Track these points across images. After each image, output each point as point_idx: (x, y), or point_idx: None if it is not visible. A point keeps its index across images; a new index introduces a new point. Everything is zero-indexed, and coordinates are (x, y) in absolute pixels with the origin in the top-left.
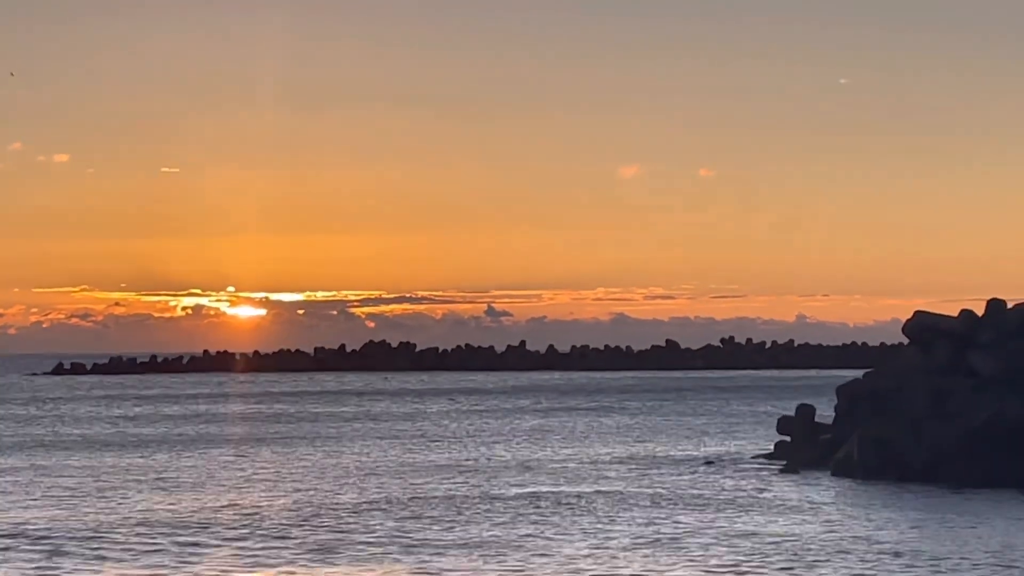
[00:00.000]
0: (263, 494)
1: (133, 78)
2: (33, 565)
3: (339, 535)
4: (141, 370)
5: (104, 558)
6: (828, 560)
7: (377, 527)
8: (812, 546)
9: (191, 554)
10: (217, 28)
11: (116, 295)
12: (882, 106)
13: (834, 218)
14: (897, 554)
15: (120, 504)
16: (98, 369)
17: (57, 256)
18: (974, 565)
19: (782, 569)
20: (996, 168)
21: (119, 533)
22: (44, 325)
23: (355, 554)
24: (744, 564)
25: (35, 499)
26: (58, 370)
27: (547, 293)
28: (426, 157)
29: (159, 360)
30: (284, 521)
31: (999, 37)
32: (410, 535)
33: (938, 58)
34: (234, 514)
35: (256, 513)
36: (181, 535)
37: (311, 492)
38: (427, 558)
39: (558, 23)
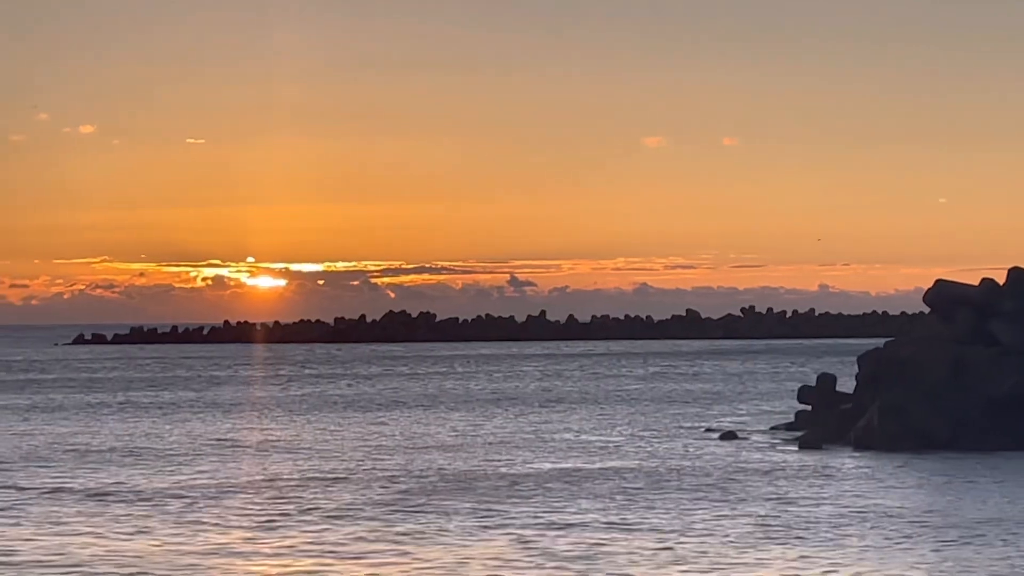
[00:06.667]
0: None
1: (160, 49)
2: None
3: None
4: (162, 340)
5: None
6: (854, 530)
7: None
8: (835, 516)
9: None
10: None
11: (137, 266)
12: (903, 77)
13: (856, 187)
14: (924, 522)
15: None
16: (119, 339)
17: (78, 227)
18: (1006, 529)
19: (805, 540)
20: (1018, 138)
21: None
22: (66, 296)
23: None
24: (767, 537)
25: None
26: (79, 340)
27: (567, 263)
28: (448, 127)
29: (180, 330)
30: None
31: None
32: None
33: (958, 31)
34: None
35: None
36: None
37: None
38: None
39: None
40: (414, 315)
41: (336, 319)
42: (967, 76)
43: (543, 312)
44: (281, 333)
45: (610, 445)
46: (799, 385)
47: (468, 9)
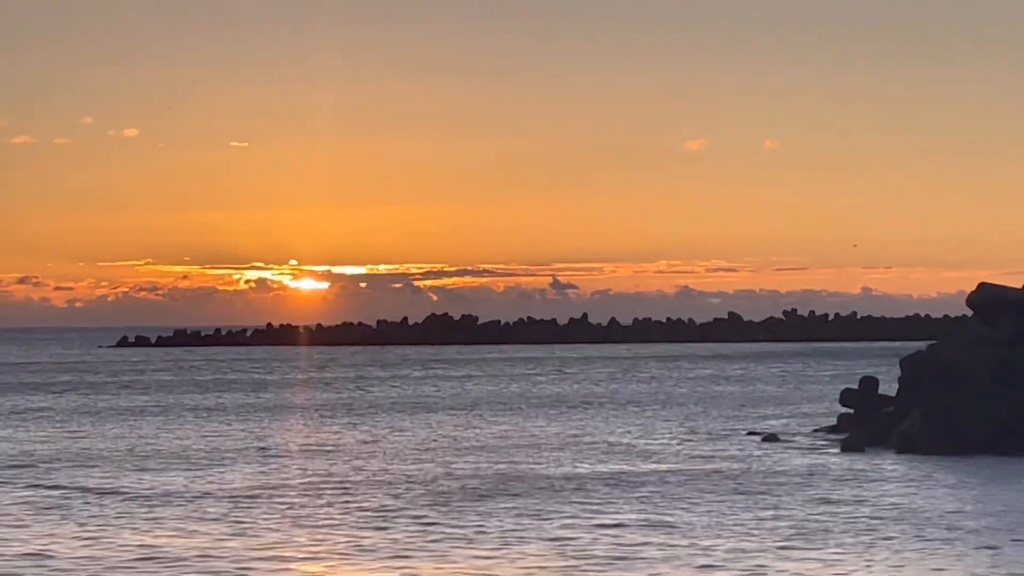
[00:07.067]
0: None
1: (203, 53)
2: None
3: None
4: (205, 343)
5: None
6: (895, 533)
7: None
8: (876, 519)
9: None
10: (283, 2)
11: (181, 268)
12: (945, 79)
13: (898, 190)
14: (966, 525)
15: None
16: (162, 342)
17: (122, 230)
18: None
19: (845, 543)
20: None
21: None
22: (110, 298)
23: None
24: (806, 539)
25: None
26: (123, 343)
27: (608, 266)
28: (490, 129)
29: (223, 333)
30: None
31: None
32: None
33: (1003, 35)
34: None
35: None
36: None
37: None
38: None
39: None
40: (456, 318)
41: (378, 321)
42: (1010, 79)
43: (585, 315)
44: (323, 335)
45: (651, 448)
46: (841, 388)
47: (509, 12)
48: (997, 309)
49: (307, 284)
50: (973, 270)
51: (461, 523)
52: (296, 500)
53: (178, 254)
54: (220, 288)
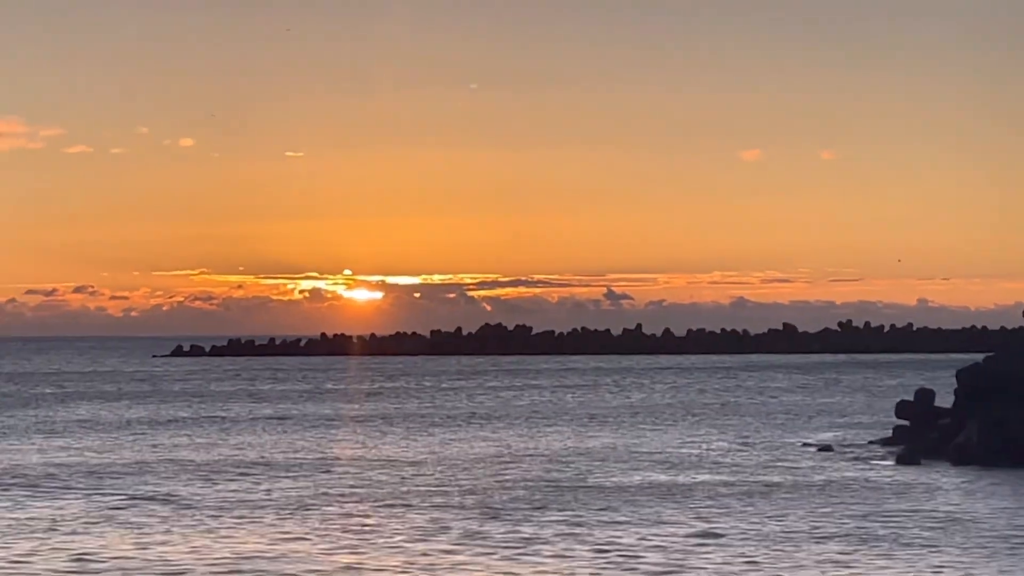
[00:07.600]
0: None
1: (259, 63)
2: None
3: None
4: (259, 352)
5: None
6: (949, 546)
7: None
8: (930, 531)
9: None
10: (339, 14)
11: (235, 278)
12: (1001, 88)
13: (955, 200)
14: (1021, 537)
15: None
16: (216, 351)
17: (177, 239)
18: None
19: (896, 556)
20: None
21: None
22: (165, 308)
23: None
24: (860, 551)
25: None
26: (177, 352)
27: (662, 276)
28: (543, 140)
29: (277, 342)
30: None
31: None
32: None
33: None
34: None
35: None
36: None
37: None
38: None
39: (680, 6)
40: (510, 328)
41: (432, 332)
42: None
43: (639, 326)
44: (378, 345)
45: (706, 458)
46: (897, 400)
47: (563, 24)
48: None
49: (361, 294)
50: None
51: (513, 533)
52: (349, 510)
53: (233, 264)
54: (274, 298)
